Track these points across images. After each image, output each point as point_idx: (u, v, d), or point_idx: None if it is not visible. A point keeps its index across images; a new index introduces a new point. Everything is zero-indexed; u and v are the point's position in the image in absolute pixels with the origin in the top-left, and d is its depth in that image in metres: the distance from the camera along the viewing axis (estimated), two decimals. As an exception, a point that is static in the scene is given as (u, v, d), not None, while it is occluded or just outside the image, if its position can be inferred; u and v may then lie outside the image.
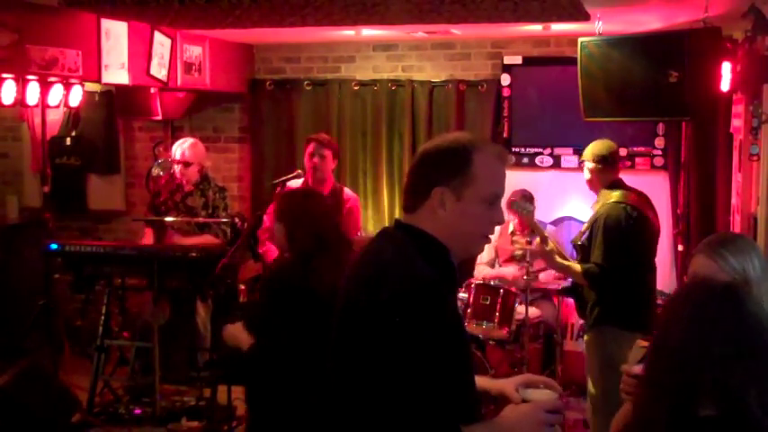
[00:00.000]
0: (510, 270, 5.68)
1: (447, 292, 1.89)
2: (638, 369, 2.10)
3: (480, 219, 1.95)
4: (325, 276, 3.16)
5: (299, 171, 5.43)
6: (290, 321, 3.15)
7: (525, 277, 5.26)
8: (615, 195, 4.33)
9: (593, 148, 4.49)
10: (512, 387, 2.01)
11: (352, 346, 1.85)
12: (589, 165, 4.46)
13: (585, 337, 4.50)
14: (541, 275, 5.76)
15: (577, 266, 4.30)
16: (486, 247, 5.97)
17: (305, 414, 3.09)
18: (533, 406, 1.91)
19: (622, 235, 4.22)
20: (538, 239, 4.41)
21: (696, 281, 1.84)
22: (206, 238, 5.59)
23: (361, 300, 1.85)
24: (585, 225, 4.46)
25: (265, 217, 5.06)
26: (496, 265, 6.00)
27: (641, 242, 4.34)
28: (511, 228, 5.93)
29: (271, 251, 5.09)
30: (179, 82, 6.02)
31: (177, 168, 5.64)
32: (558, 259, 4.34)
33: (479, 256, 6.01)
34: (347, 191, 5.22)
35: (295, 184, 5.12)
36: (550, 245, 4.34)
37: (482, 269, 5.94)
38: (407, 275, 1.82)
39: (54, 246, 5.22)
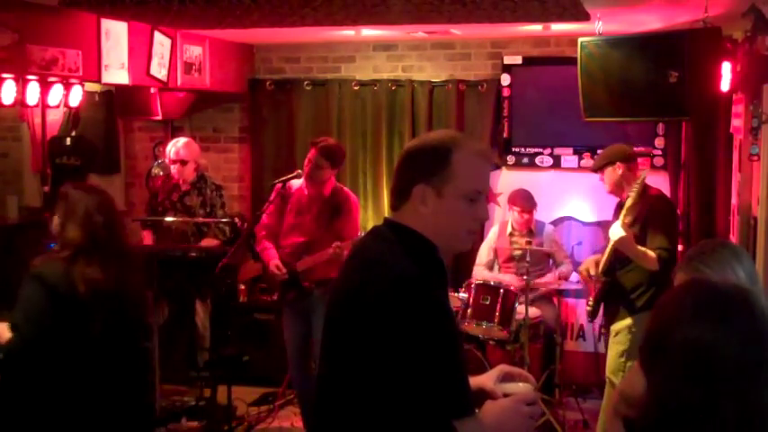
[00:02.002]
0: (509, 278, 5.67)
1: (434, 288, 1.90)
2: None
3: (462, 215, 1.97)
4: (90, 275, 3.13)
5: (299, 171, 5.42)
6: (40, 317, 3.10)
7: (525, 277, 5.26)
8: (651, 189, 4.63)
9: (619, 150, 4.73)
10: (490, 382, 2.04)
11: (342, 345, 1.88)
12: (620, 166, 4.65)
13: (628, 322, 4.54)
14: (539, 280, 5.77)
15: (651, 252, 4.44)
16: (485, 248, 6.04)
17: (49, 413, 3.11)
18: (515, 400, 1.94)
19: (674, 221, 4.62)
20: (619, 223, 4.48)
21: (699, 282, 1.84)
22: (207, 242, 5.60)
23: (347, 299, 1.89)
24: (629, 218, 4.50)
25: (264, 216, 5.06)
26: (495, 267, 5.99)
27: (678, 230, 4.76)
28: (509, 228, 5.93)
29: (268, 250, 5.07)
30: (179, 82, 6.03)
31: (174, 168, 5.65)
32: (636, 246, 4.46)
33: (478, 258, 6.02)
34: (346, 191, 5.17)
35: (296, 183, 5.10)
36: (629, 231, 4.47)
37: (481, 271, 5.93)
38: (390, 274, 1.85)
39: (54, 246, 5.21)
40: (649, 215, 4.50)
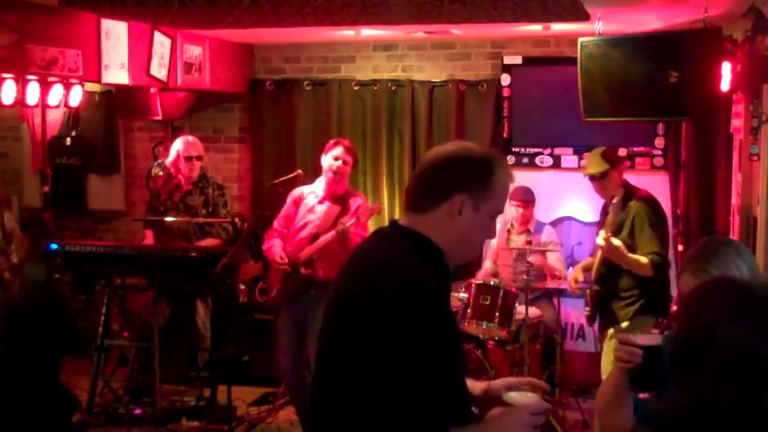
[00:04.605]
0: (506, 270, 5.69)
1: (444, 295, 1.91)
2: (637, 339, 2.10)
3: (485, 231, 2.02)
4: None
5: (299, 171, 5.43)
6: None
7: (525, 277, 5.26)
8: (640, 191, 4.59)
9: (616, 155, 4.75)
10: (498, 391, 2.04)
11: (347, 344, 1.86)
12: (621, 170, 4.66)
13: (622, 327, 4.52)
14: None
15: (644, 258, 4.39)
16: (487, 247, 6.04)
17: None
18: (520, 408, 1.93)
19: (664, 224, 4.54)
20: (603, 234, 4.41)
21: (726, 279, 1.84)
22: (209, 242, 5.60)
23: (357, 298, 1.86)
24: (611, 223, 4.46)
25: (275, 222, 5.07)
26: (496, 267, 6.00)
27: (668, 232, 4.69)
28: (508, 225, 5.93)
29: (274, 246, 5.08)
30: (179, 82, 6.02)
31: (187, 165, 5.64)
32: (628, 253, 4.40)
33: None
34: (355, 193, 5.23)
35: (308, 189, 5.11)
36: (618, 240, 4.39)
37: (489, 264, 5.97)
38: (405, 276, 1.83)
39: (54, 246, 5.23)
40: (637, 219, 4.45)
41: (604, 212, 4.84)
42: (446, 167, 1.95)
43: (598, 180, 4.67)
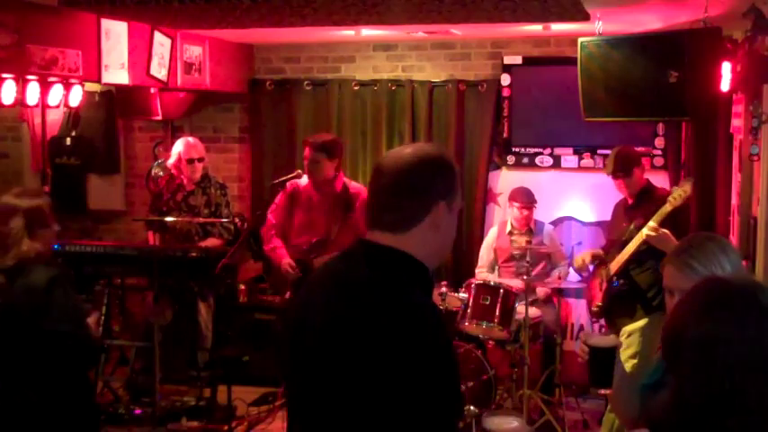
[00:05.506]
0: (514, 282, 5.65)
1: (438, 311, 1.81)
2: (591, 339, 2.34)
3: (455, 227, 1.90)
4: None
5: (299, 171, 5.43)
6: None
7: (525, 277, 5.26)
8: (660, 189, 4.75)
9: (636, 153, 4.97)
10: None
11: (346, 381, 1.71)
12: (631, 167, 4.86)
13: (642, 323, 4.58)
14: (539, 290, 5.75)
15: None
16: (485, 249, 6.04)
17: None
18: None
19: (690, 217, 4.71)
20: (652, 223, 4.53)
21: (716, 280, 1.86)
22: (211, 242, 5.60)
23: (353, 325, 1.72)
24: (658, 217, 4.57)
25: (270, 215, 5.07)
26: (496, 267, 5.98)
27: None
28: (509, 227, 5.93)
29: (278, 249, 5.08)
30: (179, 82, 6.02)
31: (190, 166, 5.65)
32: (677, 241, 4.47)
33: (480, 260, 6.03)
34: (354, 184, 5.24)
35: (304, 182, 5.12)
36: (663, 229, 4.52)
37: (483, 273, 5.93)
38: (402, 300, 1.72)
39: (54, 246, 5.22)
40: (671, 213, 4.54)
41: (624, 209, 4.89)
42: (419, 179, 1.79)
43: (622, 178, 4.76)
